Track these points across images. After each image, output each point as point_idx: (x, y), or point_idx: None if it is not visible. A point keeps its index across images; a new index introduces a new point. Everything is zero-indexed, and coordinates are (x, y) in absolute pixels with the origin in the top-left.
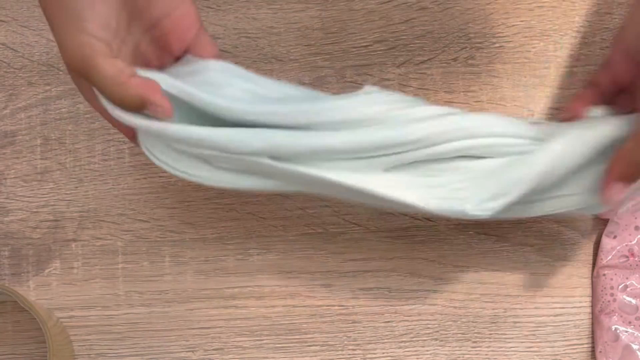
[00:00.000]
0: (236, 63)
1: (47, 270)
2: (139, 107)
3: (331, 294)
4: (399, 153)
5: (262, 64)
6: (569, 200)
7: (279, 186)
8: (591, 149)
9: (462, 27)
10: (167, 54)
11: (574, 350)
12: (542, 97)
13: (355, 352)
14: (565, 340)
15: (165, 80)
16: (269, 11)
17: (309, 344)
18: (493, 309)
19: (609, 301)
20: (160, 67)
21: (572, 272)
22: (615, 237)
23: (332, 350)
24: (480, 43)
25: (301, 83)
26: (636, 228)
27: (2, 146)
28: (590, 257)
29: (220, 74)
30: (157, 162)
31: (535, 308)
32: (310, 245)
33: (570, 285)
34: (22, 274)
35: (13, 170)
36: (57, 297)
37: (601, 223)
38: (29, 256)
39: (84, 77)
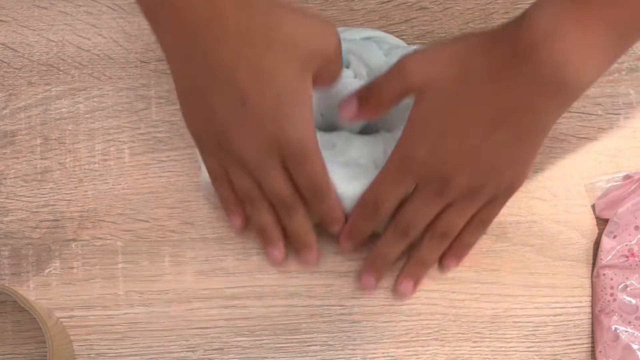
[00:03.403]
0: None
1: (47, 270)
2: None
3: (331, 294)
4: None
5: None
6: None
7: None
8: None
9: (462, 27)
10: None
11: (574, 350)
12: None
13: (355, 352)
14: (565, 340)
15: None
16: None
17: (309, 344)
18: (493, 309)
19: (609, 301)
20: None
21: (572, 272)
22: (615, 237)
23: (332, 350)
24: None
25: None
26: (636, 228)
27: (2, 146)
28: (590, 257)
29: None
30: None
31: (535, 308)
32: None
33: (570, 285)
34: (22, 274)
35: (13, 170)
36: (57, 297)
37: (601, 223)
38: (29, 256)
39: (303, 157)
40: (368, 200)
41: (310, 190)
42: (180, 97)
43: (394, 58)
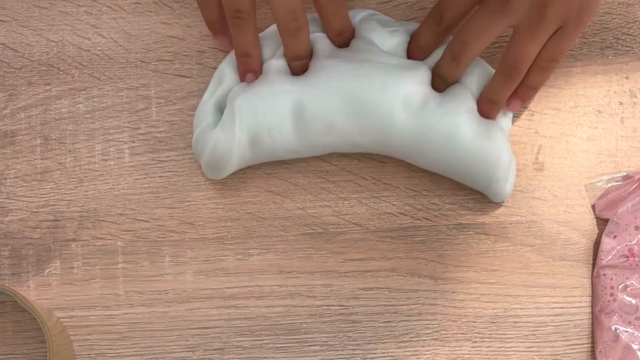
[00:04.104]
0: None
1: (47, 270)
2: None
3: (331, 294)
4: None
5: None
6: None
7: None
8: None
9: None
10: None
11: (574, 350)
12: (542, 97)
13: (355, 352)
14: (565, 340)
15: None
16: (269, 11)
17: (309, 344)
18: (493, 309)
19: (609, 301)
20: None
21: (572, 272)
22: (615, 237)
23: (332, 350)
24: None
25: None
26: (636, 228)
27: (2, 146)
28: (590, 257)
29: None
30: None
31: (535, 308)
32: (310, 245)
33: (570, 285)
34: (22, 274)
35: (13, 170)
36: (57, 297)
37: (601, 223)
38: (29, 256)
39: None
40: (432, 11)
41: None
42: None
43: (398, 37)
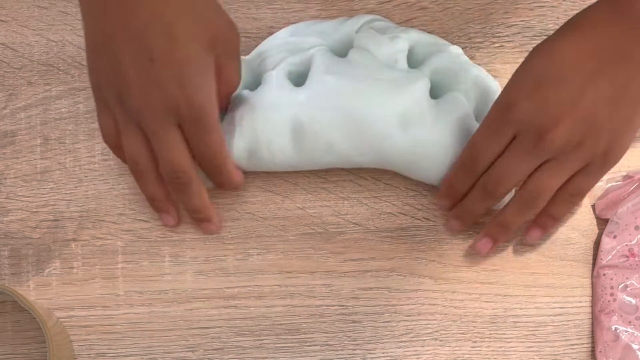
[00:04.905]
0: None
1: (47, 270)
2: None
3: (331, 294)
4: None
5: None
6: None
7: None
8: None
9: (462, 27)
10: None
11: (574, 350)
12: None
13: (355, 352)
14: (565, 340)
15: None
16: (269, 11)
17: (309, 344)
18: (493, 309)
19: (609, 301)
20: None
21: (572, 272)
22: (615, 237)
23: (332, 350)
24: (480, 43)
25: None
26: (636, 228)
27: (2, 146)
28: (590, 257)
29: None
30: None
31: (535, 308)
32: (310, 245)
33: (570, 285)
34: (22, 274)
35: (13, 170)
36: (57, 297)
37: (601, 223)
38: (28, 256)
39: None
40: (466, 154)
41: (208, 162)
42: (88, 50)
43: (398, 44)
